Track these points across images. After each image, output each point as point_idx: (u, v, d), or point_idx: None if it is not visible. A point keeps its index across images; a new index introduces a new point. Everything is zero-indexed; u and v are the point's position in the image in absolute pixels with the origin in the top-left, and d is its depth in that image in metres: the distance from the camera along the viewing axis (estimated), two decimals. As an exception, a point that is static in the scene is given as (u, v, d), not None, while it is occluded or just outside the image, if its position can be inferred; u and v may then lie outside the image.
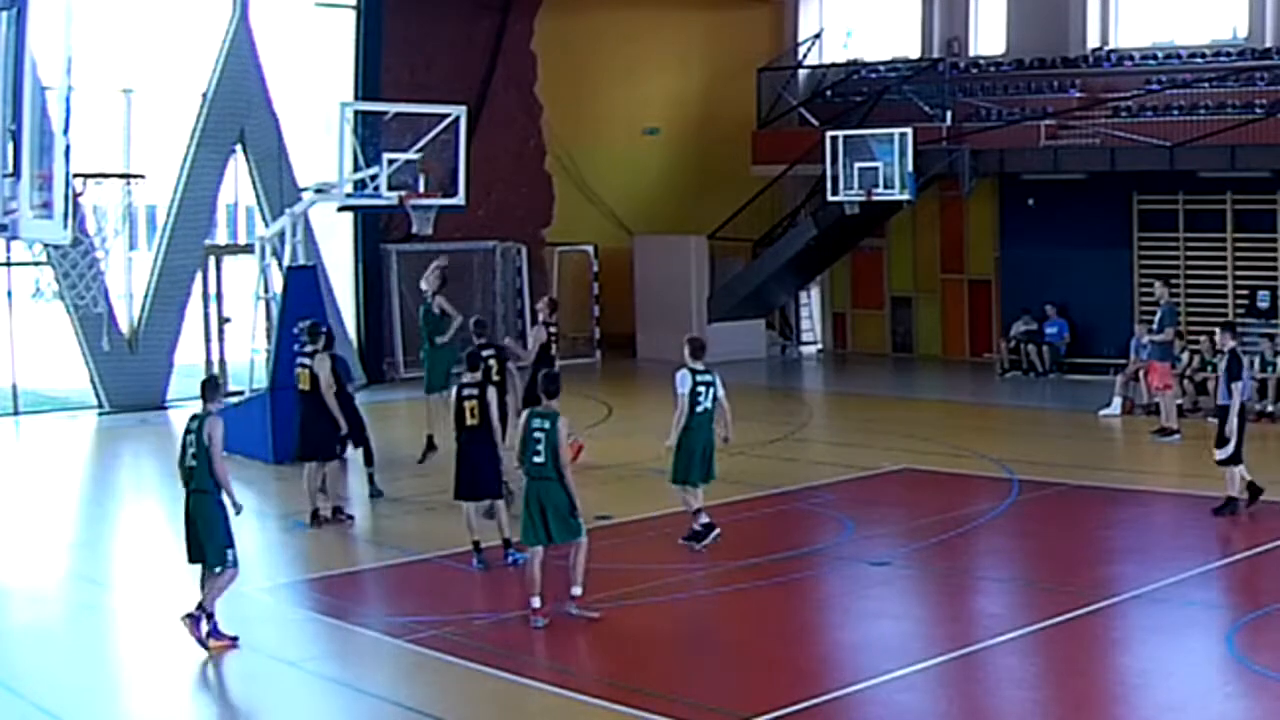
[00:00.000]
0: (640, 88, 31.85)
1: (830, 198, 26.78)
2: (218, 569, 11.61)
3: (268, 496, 17.67)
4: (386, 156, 19.43)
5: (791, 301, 32.56)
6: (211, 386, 11.97)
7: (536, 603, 11.97)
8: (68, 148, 8.96)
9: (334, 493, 16.06)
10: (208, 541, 11.58)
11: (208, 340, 25.64)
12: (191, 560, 11.75)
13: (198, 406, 11.83)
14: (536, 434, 11.95)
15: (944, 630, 12.29)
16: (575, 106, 30.73)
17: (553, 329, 17.59)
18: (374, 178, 19.47)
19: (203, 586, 11.67)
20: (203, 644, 11.49)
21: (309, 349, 16.19)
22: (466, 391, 13.68)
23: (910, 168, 25.79)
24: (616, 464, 18.85)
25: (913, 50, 31.44)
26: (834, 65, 32.55)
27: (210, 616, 11.58)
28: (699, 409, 13.93)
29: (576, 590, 12.13)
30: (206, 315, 25.63)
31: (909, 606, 13.27)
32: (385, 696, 10.79)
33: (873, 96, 29.84)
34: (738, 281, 30.24)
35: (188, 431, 11.63)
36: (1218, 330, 17.03)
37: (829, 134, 26.93)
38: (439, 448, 17.50)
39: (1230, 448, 15.31)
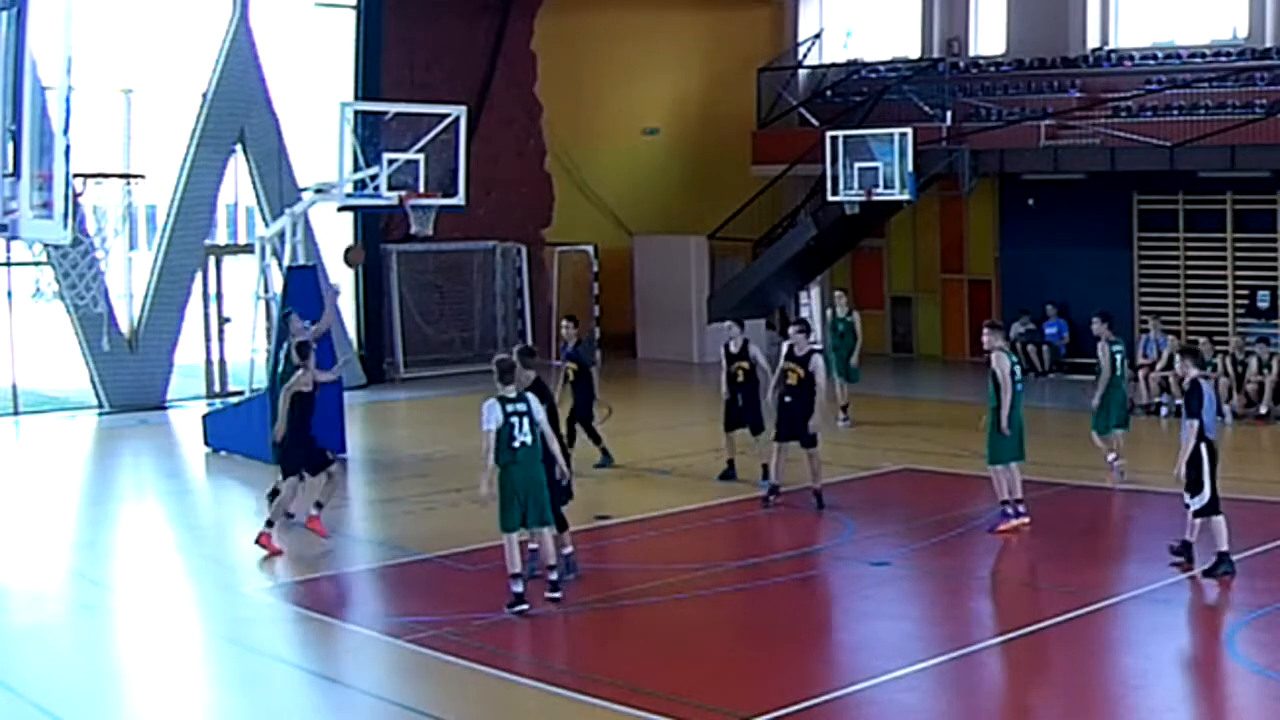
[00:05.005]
0: (640, 88, 31.84)
1: (830, 198, 26.75)
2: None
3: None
4: (386, 156, 19.44)
5: (791, 301, 32.54)
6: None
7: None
8: (68, 148, 8.92)
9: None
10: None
11: (208, 340, 25.65)
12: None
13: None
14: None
15: (944, 630, 12.28)
16: (575, 106, 30.72)
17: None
18: (374, 178, 19.47)
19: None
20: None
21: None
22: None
23: (910, 168, 25.75)
24: (616, 464, 18.85)
25: (913, 50, 31.44)
26: (834, 65, 32.55)
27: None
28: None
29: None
30: (206, 315, 25.63)
31: (909, 606, 13.26)
32: (385, 696, 10.79)
33: (873, 96, 29.83)
34: (738, 281, 30.22)
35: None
36: (1178, 357, 14.23)
37: (829, 134, 26.90)
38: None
39: (1205, 494, 13.01)
